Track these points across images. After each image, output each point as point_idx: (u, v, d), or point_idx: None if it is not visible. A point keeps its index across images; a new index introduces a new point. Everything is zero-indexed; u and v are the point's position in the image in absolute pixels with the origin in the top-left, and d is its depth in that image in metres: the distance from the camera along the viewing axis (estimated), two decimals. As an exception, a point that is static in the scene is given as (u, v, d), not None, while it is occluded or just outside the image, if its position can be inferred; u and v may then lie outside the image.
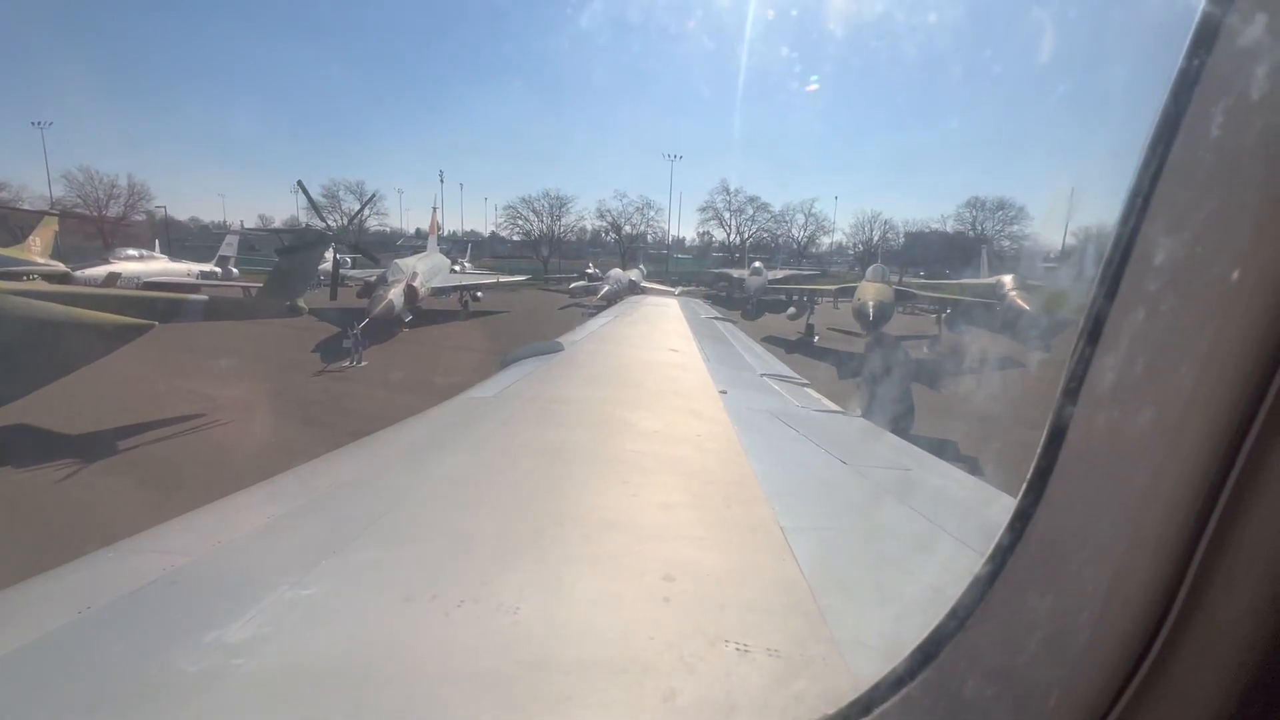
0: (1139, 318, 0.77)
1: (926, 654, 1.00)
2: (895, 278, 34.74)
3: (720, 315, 11.74)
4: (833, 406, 4.67)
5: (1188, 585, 0.72)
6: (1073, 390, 0.84)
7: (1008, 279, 30.84)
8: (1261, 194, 0.67)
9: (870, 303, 23.57)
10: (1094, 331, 0.82)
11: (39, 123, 54.47)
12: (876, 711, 1.04)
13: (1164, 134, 0.74)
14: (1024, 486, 0.90)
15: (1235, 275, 0.67)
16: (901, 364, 22.85)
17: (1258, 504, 0.67)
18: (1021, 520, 0.90)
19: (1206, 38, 0.70)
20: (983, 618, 0.94)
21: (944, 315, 29.19)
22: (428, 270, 29.27)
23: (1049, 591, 0.86)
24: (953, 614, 0.98)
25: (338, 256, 23.61)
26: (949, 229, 67.32)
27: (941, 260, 61.40)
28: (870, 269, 29.52)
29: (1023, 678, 0.87)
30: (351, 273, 32.57)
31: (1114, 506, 0.80)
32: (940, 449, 3.71)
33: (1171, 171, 0.74)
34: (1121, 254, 0.78)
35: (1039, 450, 0.88)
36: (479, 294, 36.38)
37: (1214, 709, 0.72)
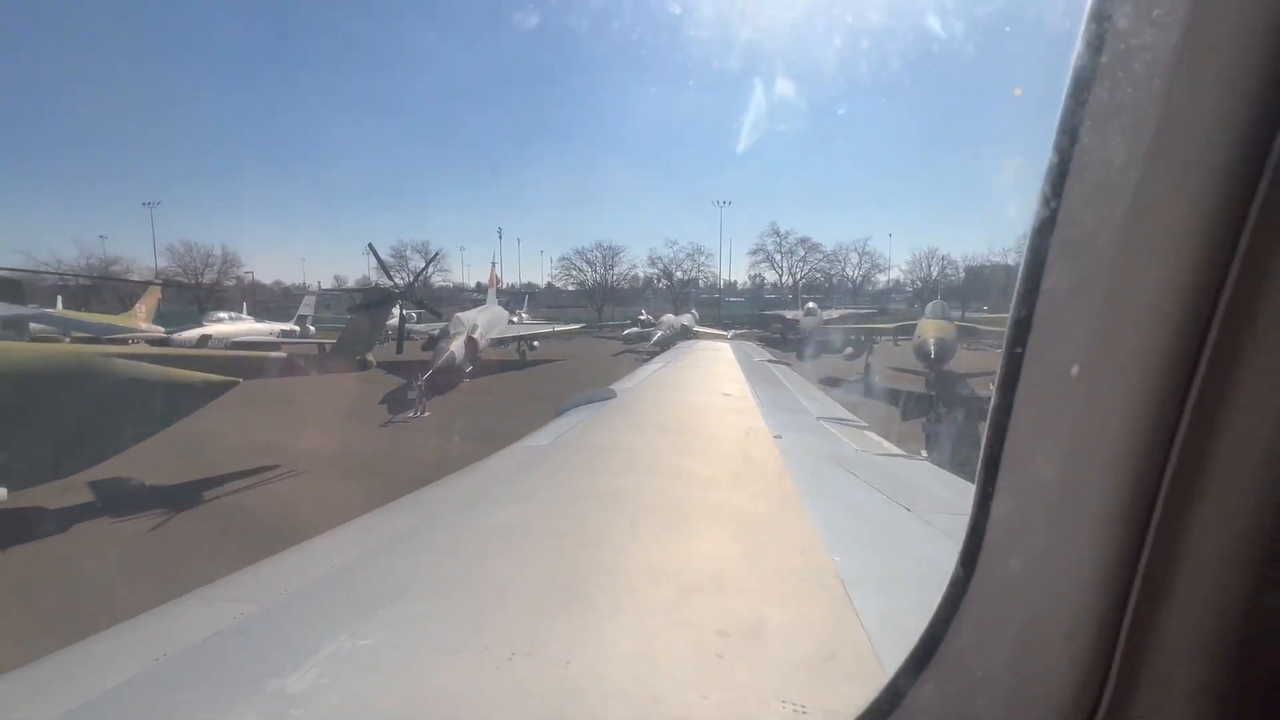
0: (1041, 372, 0.84)
1: (892, 702, 1.03)
2: (957, 314, 33.44)
3: (774, 358, 11.53)
4: (894, 450, 4.46)
5: (1130, 612, 0.75)
6: (997, 441, 0.90)
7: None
8: (1111, 275, 0.75)
9: (931, 340, 22.74)
10: (1006, 381, 0.88)
11: (149, 203, 61.11)
12: None
13: (1045, 225, 0.82)
14: (967, 531, 0.96)
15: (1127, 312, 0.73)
16: (967, 403, 21.72)
17: (1188, 519, 0.71)
18: (969, 562, 0.96)
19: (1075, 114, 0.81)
20: (939, 668, 1.00)
21: (1012, 351, 27.65)
22: (487, 322, 30.40)
23: (1002, 635, 0.92)
24: (910, 665, 1.04)
25: (403, 312, 24.87)
26: (1010, 262, 64.78)
27: (1005, 294, 58.74)
28: (929, 305, 28.54)
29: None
30: (416, 327, 34.19)
31: (1052, 543, 0.84)
32: None
33: (1055, 247, 0.82)
34: (1023, 317, 0.85)
35: (972, 507, 0.94)
36: (535, 343, 37.32)
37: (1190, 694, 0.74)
